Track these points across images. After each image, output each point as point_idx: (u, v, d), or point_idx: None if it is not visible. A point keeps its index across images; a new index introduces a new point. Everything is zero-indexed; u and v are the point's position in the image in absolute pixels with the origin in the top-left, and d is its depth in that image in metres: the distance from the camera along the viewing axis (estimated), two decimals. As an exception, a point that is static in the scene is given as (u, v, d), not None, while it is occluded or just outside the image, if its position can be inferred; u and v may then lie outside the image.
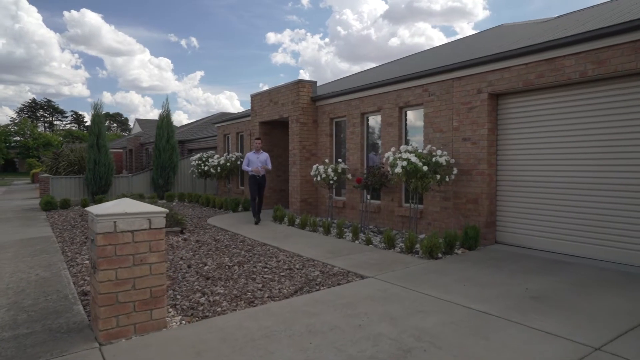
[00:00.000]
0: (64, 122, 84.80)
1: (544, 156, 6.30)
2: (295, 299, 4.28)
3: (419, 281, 4.79)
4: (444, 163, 6.72)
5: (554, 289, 4.45)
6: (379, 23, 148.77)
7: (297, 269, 5.44)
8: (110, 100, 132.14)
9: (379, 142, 8.88)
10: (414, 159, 6.57)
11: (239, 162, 13.32)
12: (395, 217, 8.35)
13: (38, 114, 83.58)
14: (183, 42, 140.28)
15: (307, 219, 8.45)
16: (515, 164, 6.65)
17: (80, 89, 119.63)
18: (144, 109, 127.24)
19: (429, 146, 7.25)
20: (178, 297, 4.35)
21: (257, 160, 9.25)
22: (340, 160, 9.15)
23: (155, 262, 3.51)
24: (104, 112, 14.55)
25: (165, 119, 15.77)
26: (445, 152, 6.90)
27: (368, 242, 6.96)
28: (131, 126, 70.04)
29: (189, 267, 5.50)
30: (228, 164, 13.14)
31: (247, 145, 13.39)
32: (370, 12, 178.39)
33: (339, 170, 8.83)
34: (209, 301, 4.20)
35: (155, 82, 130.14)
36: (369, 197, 8.43)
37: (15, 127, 58.51)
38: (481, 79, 6.77)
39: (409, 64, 10.93)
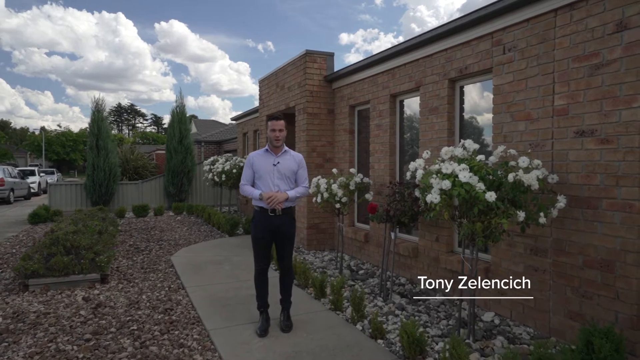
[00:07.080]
0: (144, 125, 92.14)
1: None
2: None
3: None
4: (537, 184, 3.14)
5: None
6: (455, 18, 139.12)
7: None
8: (193, 104, 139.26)
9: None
10: (465, 175, 3.09)
11: (248, 168, 10.38)
12: (440, 269, 4.83)
13: (123, 117, 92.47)
14: (260, 47, 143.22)
15: (296, 263, 5.23)
16: None
17: (168, 94, 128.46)
18: (223, 112, 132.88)
19: (500, 148, 3.57)
20: None
21: (272, 171, 3.74)
22: (353, 170, 5.77)
23: None
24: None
25: (177, 115, 13.35)
26: (537, 162, 3.30)
27: (376, 332, 3.61)
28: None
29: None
30: (234, 171, 10.29)
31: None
32: (447, 7, 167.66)
33: (352, 187, 5.47)
34: None
35: (234, 85, 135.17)
36: (393, 233, 4.95)
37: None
38: (624, -1, 3.09)
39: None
